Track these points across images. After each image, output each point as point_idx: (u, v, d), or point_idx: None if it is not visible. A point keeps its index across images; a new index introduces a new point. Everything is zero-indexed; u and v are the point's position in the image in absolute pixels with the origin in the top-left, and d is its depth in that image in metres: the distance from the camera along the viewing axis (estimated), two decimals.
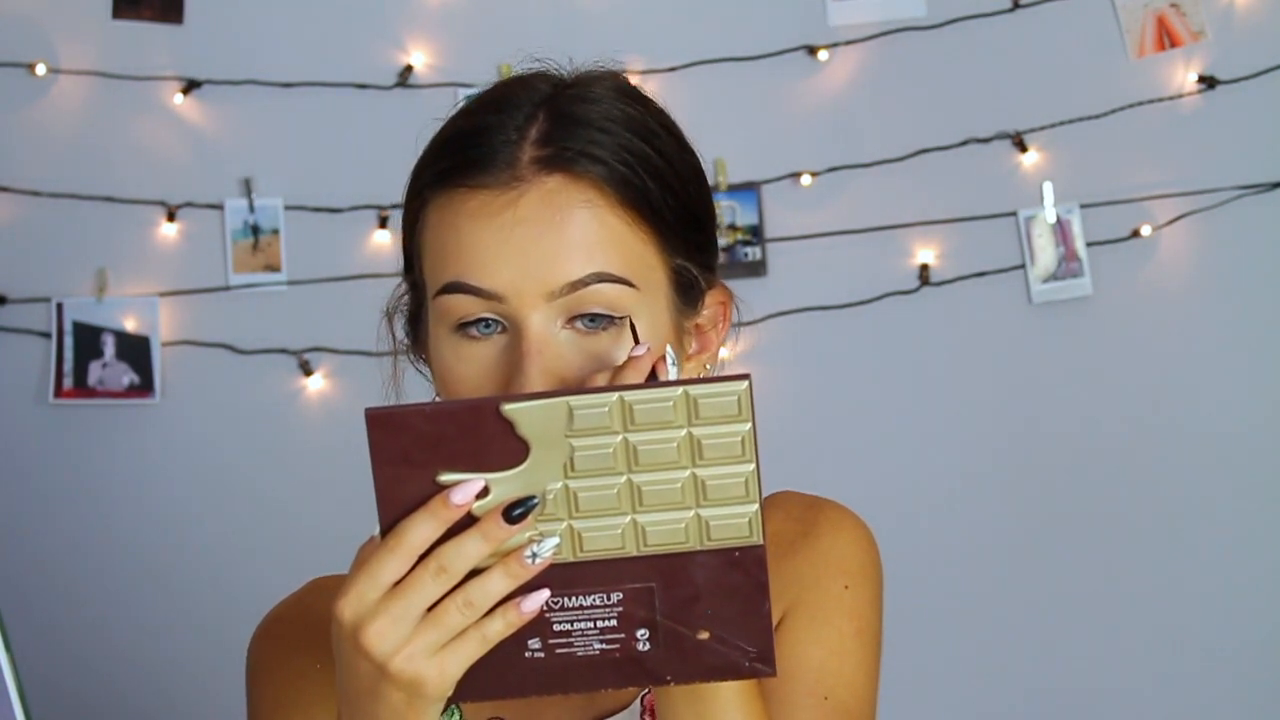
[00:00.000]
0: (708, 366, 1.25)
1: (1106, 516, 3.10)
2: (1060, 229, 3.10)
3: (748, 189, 3.11)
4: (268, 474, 3.07)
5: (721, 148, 3.09)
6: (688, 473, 0.97)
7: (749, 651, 0.99)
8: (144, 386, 3.05)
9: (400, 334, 1.26)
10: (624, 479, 0.97)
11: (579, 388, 1.08)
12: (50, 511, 3.04)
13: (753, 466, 0.97)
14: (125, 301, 3.06)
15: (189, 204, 3.08)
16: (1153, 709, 3.10)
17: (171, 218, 3.07)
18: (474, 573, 0.98)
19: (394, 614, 0.98)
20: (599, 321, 1.15)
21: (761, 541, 0.98)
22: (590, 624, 0.99)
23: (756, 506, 0.98)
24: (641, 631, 0.99)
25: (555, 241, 1.14)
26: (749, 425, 0.96)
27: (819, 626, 1.23)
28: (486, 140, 1.17)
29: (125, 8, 3.08)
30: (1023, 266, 3.11)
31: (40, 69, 3.05)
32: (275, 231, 3.08)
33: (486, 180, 1.16)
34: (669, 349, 1.12)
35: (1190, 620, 3.10)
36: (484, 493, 0.97)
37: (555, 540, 0.98)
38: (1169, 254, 3.11)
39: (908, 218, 3.12)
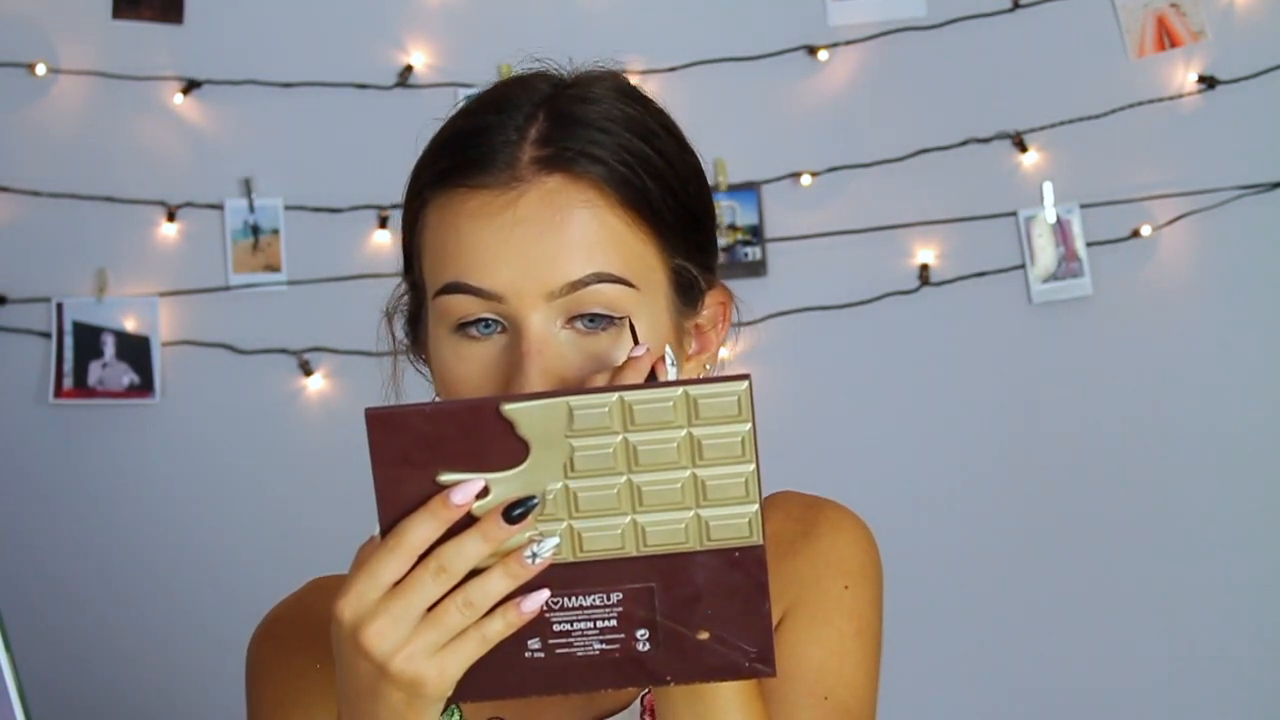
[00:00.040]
0: (707, 367, 1.25)
1: (1106, 516, 3.10)
2: (1060, 229, 3.10)
3: (748, 189, 3.11)
4: (268, 474, 3.07)
5: (721, 148, 3.09)
6: (688, 473, 0.97)
7: (749, 651, 0.99)
8: (144, 386, 3.05)
9: (400, 334, 1.26)
10: (624, 479, 0.97)
11: (579, 388, 1.08)
12: (50, 511, 3.04)
13: (753, 466, 0.97)
14: (125, 301, 3.06)
15: (189, 204, 3.08)
16: (1153, 709, 3.10)
17: (171, 218, 3.07)
18: (474, 573, 0.98)
19: (394, 614, 0.98)
20: (599, 322, 1.15)
21: (761, 541, 0.98)
22: (590, 624, 0.99)
23: (756, 507, 0.98)
24: (641, 631, 0.99)
25: (555, 241, 1.14)
26: (749, 425, 0.96)
27: (819, 626, 1.23)
28: (486, 140, 1.17)
29: (125, 8, 3.08)
30: (1023, 266, 3.11)
31: (40, 69, 3.05)
32: (275, 231, 3.08)
33: (486, 180, 1.16)
34: (668, 349, 1.12)
35: (1190, 620, 3.10)
36: (484, 493, 0.97)
37: (555, 540, 0.98)
38: (1169, 254, 3.11)
39: (908, 218, 3.12)
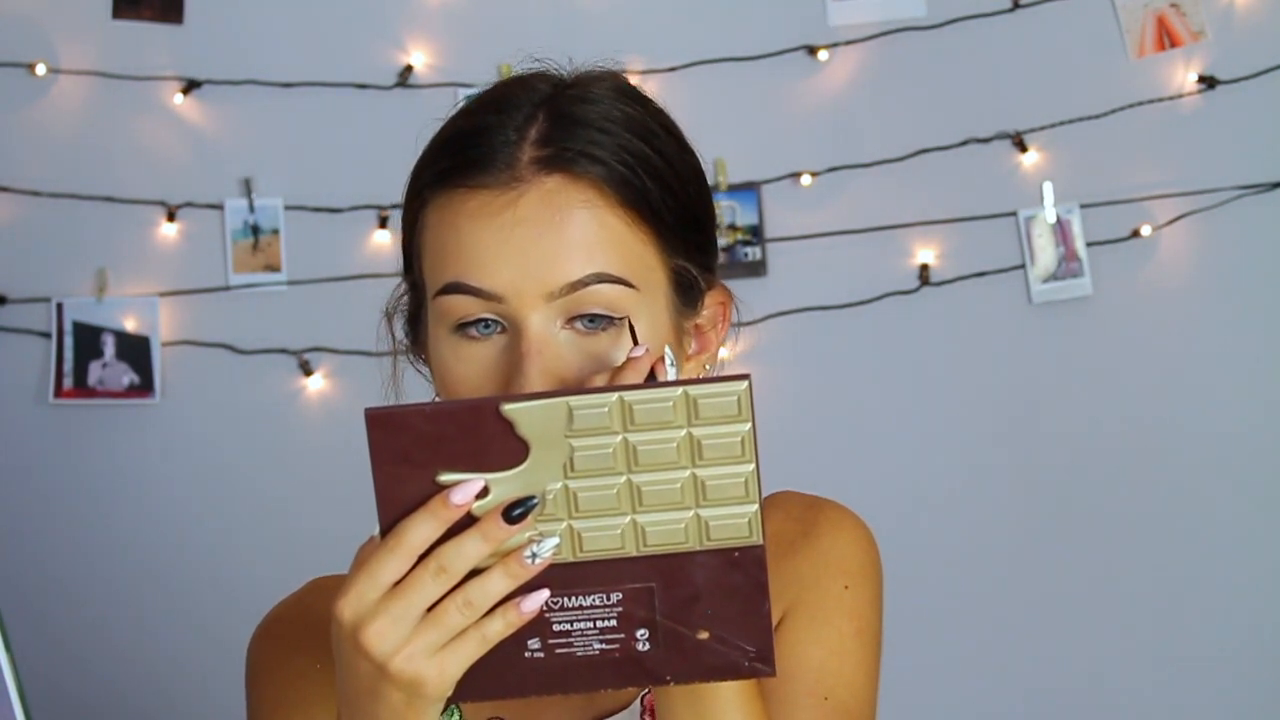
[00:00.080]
0: (707, 367, 1.25)
1: (1106, 516, 3.10)
2: (1060, 229, 3.10)
3: (748, 189, 3.11)
4: (268, 474, 3.07)
5: (721, 148, 3.09)
6: (687, 473, 0.97)
7: (749, 651, 0.99)
8: (144, 386, 3.05)
9: (400, 334, 1.26)
10: (624, 479, 0.97)
11: (579, 388, 1.08)
12: (50, 511, 3.04)
13: (752, 466, 0.97)
14: (125, 301, 3.06)
15: (189, 204, 3.08)
16: (1153, 708, 3.10)
17: (171, 218, 3.07)
18: (474, 573, 0.98)
19: (394, 614, 0.98)
20: (598, 322, 1.15)
21: (761, 541, 0.98)
22: (590, 624, 0.99)
23: (756, 507, 0.98)
24: (641, 631, 0.99)
25: (555, 242, 1.14)
26: (749, 425, 0.96)
27: (819, 626, 1.23)
28: (486, 140, 1.17)
29: (125, 8, 3.08)
30: (1023, 266, 3.11)
31: (40, 69, 3.05)
32: (275, 231, 3.08)
33: (486, 180, 1.16)
34: (667, 350, 1.12)
35: (1190, 620, 3.10)
36: (484, 493, 0.97)
37: (555, 540, 0.98)
38: (1169, 254, 3.11)
39: (908, 218, 3.12)
